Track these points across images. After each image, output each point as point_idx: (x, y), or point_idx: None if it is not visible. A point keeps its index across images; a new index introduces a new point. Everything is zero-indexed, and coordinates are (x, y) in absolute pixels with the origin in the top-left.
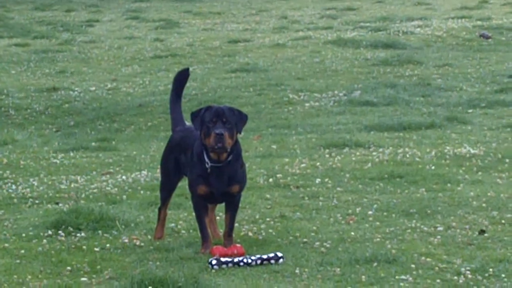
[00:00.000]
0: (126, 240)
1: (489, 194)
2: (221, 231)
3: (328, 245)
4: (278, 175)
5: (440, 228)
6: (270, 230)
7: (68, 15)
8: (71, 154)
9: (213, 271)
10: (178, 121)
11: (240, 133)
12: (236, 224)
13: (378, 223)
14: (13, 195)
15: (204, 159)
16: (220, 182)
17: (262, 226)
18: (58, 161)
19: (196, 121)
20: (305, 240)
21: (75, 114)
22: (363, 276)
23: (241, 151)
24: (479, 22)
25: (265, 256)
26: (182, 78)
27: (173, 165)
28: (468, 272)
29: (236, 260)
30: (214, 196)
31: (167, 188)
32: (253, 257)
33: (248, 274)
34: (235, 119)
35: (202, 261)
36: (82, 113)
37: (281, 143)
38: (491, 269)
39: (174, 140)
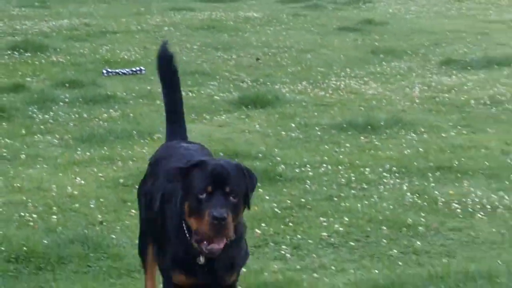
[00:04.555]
0: None
1: None
2: None
3: None
4: None
5: None
6: None
7: None
8: None
9: None
10: (173, 131)
11: (249, 208)
12: None
13: None
14: None
15: (187, 240)
16: (209, 272)
17: None
18: None
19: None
20: None
21: None
22: None
23: (244, 228)
24: None
25: None
26: (165, 62)
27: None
28: None
29: None
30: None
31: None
32: None
33: None
34: (243, 186)
35: None
36: None
37: None
38: None
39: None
